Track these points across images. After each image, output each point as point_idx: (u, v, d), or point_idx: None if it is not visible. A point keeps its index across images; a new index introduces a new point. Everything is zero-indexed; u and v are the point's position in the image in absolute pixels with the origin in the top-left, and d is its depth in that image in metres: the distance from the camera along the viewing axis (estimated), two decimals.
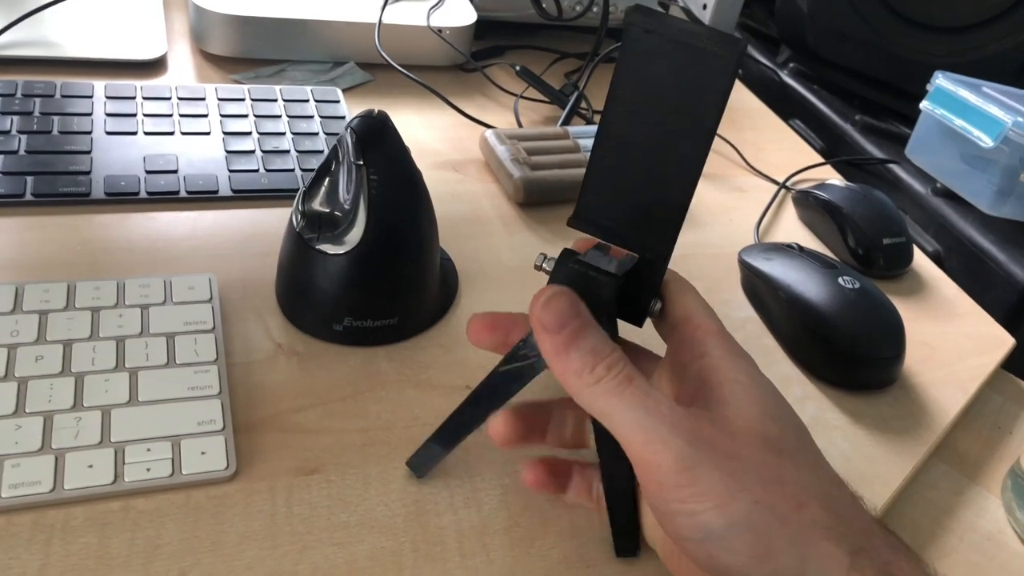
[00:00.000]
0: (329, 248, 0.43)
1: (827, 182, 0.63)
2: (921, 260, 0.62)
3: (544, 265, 0.35)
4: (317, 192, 0.45)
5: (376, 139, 0.44)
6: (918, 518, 0.45)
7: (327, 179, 0.45)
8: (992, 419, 0.52)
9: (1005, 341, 0.55)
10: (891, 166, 0.79)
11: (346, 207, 0.43)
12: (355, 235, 0.43)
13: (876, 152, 0.81)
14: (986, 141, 0.67)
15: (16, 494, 0.34)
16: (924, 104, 0.74)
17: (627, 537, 0.37)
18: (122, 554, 0.33)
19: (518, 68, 0.70)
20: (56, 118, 0.55)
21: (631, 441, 0.30)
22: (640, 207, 0.36)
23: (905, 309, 0.56)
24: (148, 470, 0.36)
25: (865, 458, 0.45)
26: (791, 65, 0.95)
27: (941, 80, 0.73)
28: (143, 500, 0.35)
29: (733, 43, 0.31)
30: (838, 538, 0.28)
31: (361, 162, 0.43)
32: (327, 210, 0.44)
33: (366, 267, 0.43)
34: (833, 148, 0.85)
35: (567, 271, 0.34)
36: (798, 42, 0.94)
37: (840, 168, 0.74)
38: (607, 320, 0.35)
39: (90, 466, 0.35)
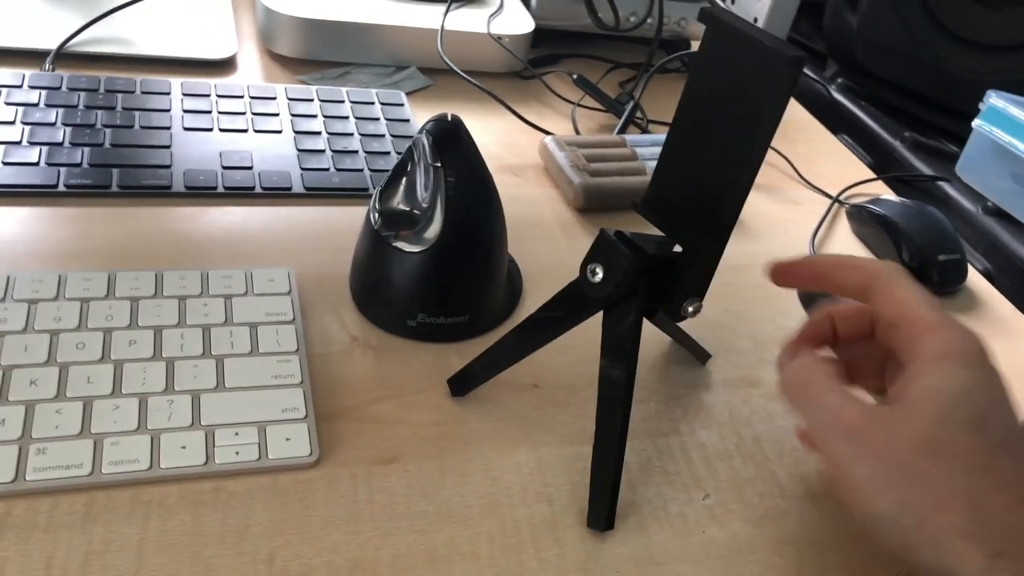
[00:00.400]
0: (405, 246, 0.44)
1: (881, 197, 0.64)
2: (975, 278, 0.62)
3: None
4: (394, 192, 0.46)
5: (451, 142, 0.45)
6: None
7: (403, 179, 0.46)
8: None
9: None
10: (941, 184, 0.79)
11: (424, 206, 0.45)
12: (432, 234, 0.44)
13: (925, 169, 0.82)
14: None
15: (116, 471, 0.36)
16: (976, 122, 0.74)
17: (600, 509, 0.38)
18: (215, 532, 0.35)
19: (575, 76, 0.72)
20: (137, 113, 0.57)
21: (813, 434, 0.36)
22: (695, 203, 0.38)
23: None
24: (237, 453, 0.37)
25: None
26: (839, 80, 0.96)
27: (994, 99, 0.74)
28: (232, 482, 0.37)
29: (794, 50, 0.33)
30: (977, 541, 0.30)
31: (438, 164, 0.44)
32: (405, 209, 0.45)
33: (441, 265, 0.44)
34: (882, 164, 0.85)
35: (599, 238, 0.38)
36: (847, 57, 0.95)
37: (891, 184, 0.75)
38: (627, 290, 0.38)
39: (183, 447, 0.37)
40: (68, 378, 0.39)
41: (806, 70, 0.98)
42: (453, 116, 0.47)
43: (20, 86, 0.57)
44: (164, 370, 0.40)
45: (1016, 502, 0.31)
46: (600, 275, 0.38)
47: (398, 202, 0.46)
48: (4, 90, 0.56)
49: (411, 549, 0.36)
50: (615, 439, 0.38)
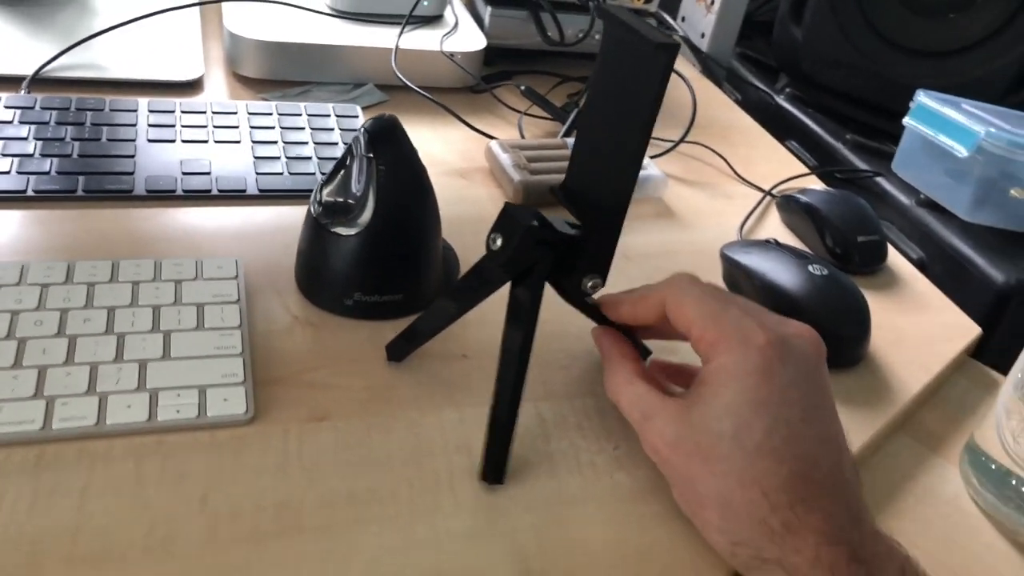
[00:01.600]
0: (341, 230, 0.48)
1: (809, 188, 0.68)
2: (897, 259, 0.66)
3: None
4: (333, 184, 0.50)
5: (385, 136, 0.49)
6: (878, 482, 0.48)
7: (342, 172, 0.50)
8: (959, 401, 0.56)
9: (971, 329, 0.59)
10: (879, 180, 0.83)
11: (357, 194, 0.49)
12: (364, 218, 0.48)
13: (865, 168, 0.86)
14: (961, 151, 0.71)
15: (65, 426, 0.39)
16: (906, 120, 0.79)
17: (493, 464, 0.41)
18: (154, 478, 0.38)
19: (523, 88, 0.76)
20: (105, 128, 0.62)
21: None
22: (596, 188, 0.42)
23: (878, 301, 0.60)
24: (178, 411, 0.41)
25: None
26: (787, 90, 1.00)
27: (922, 97, 0.78)
28: (174, 436, 0.41)
29: (666, 39, 0.37)
30: (723, 533, 0.37)
31: (371, 155, 0.48)
32: (341, 198, 0.49)
33: (373, 246, 0.48)
34: (825, 165, 0.89)
35: (503, 211, 0.42)
36: (794, 68, 1.00)
37: (828, 181, 0.79)
38: (529, 263, 0.42)
39: (129, 406, 0.41)
40: (25, 350, 0.42)
41: (752, 79, 1.03)
42: (390, 115, 0.51)
43: None
44: (115, 343, 0.44)
45: (759, 497, 0.36)
46: (499, 243, 0.41)
47: (336, 192, 0.50)
48: None
49: (333, 492, 0.39)
50: (508, 398, 0.41)
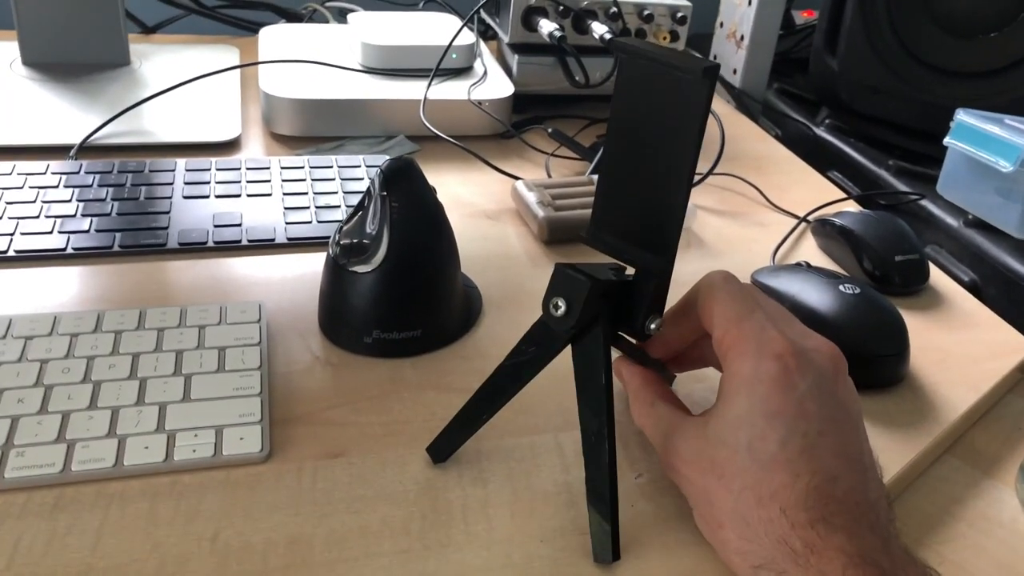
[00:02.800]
0: (358, 268, 0.49)
1: (843, 210, 0.66)
2: (941, 279, 0.63)
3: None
4: (351, 225, 0.51)
5: (400, 176, 0.50)
6: (926, 507, 0.46)
7: (360, 213, 0.51)
8: (1013, 421, 0.52)
9: (1023, 346, 0.56)
10: (924, 203, 0.81)
11: (373, 233, 0.49)
12: (379, 255, 0.48)
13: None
14: (1005, 166, 0.69)
15: (84, 468, 0.40)
16: (947, 139, 0.76)
17: (605, 544, 0.38)
18: (167, 517, 0.39)
19: (550, 130, 0.77)
20: (143, 188, 0.64)
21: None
22: (639, 224, 0.40)
23: (921, 321, 0.58)
24: (194, 451, 0.41)
25: None
26: (827, 122, 0.99)
27: (962, 116, 0.75)
28: (189, 476, 0.41)
29: (700, 63, 0.35)
30: (743, 555, 0.35)
31: (385, 193, 0.49)
32: (357, 238, 0.50)
33: (388, 283, 0.49)
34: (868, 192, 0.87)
35: (555, 273, 0.39)
36: (832, 99, 0.98)
37: (866, 205, 0.76)
38: (591, 318, 0.39)
39: (146, 447, 0.41)
40: (51, 396, 0.44)
41: (790, 111, 1.01)
42: (406, 157, 0.52)
43: (44, 173, 0.65)
44: (137, 387, 0.45)
45: (777, 515, 0.34)
46: (563, 308, 0.39)
47: (353, 233, 0.50)
48: (29, 177, 0.64)
49: (345, 526, 0.39)
50: (605, 466, 0.39)
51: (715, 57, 1.10)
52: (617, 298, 0.41)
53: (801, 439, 0.35)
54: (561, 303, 0.39)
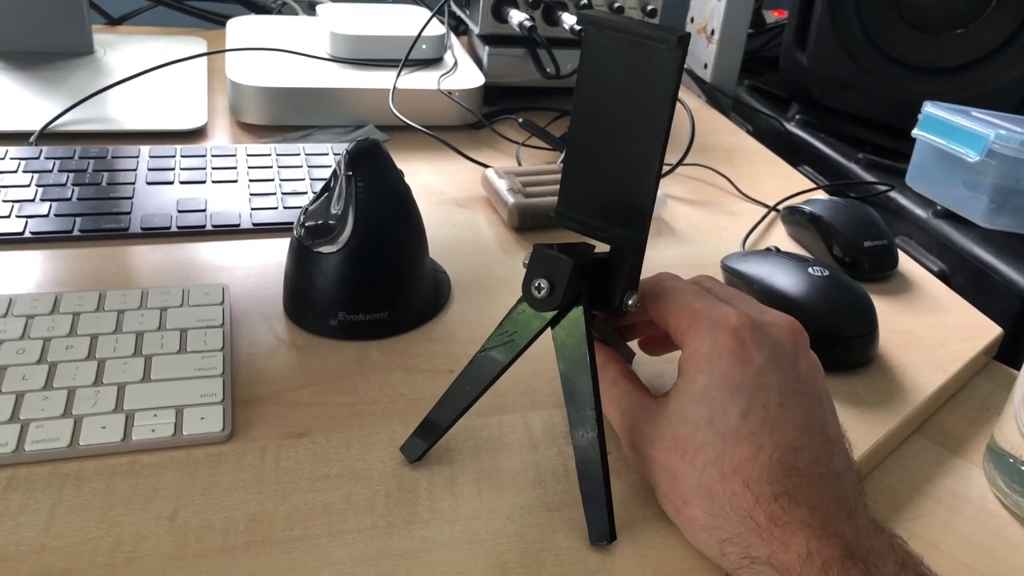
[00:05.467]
0: (323, 249, 0.48)
1: (813, 198, 0.66)
2: (909, 264, 0.63)
3: (525, 260, 0.39)
4: (316, 207, 0.50)
5: (365, 156, 0.49)
6: (896, 485, 0.45)
7: (325, 194, 0.50)
8: (981, 403, 0.53)
9: (990, 329, 0.56)
10: (893, 195, 0.81)
11: (338, 214, 0.48)
12: (344, 236, 0.48)
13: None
14: (972, 156, 0.69)
15: (37, 447, 0.39)
16: (916, 131, 0.77)
17: (599, 522, 0.37)
18: (124, 496, 0.38)
19: (520, 120, 0.76)
20: (105, 174, 0.63)
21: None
22: (610, 200, 0.39)
23: (890, 305, 0.58)
24: (153, 431, 0.40)
25: None
26: (798, 117, 0.99)
27: (929, 108, 0.76)
28: (148, 456, 0.40)
29: (672, 32, 0.35)
30: (709, 531, 0.35)
31: (350, 173, 0.48)
32: (323, 219, 0.49)
33: (354, 263, 0.48)
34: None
35: (535, 254, 0.38)
36: (802, 94, 0.99)
37: (838, 196, 0.77)
38: (572, 297, 0.38)
39: (103, 427, 0.40)
40: (4, 377, 0.42)
41: (760, 106, 1.02)
42: (372, 139, 0.51)
43: (2, 158, 0.64)
44: (95, 368, 0.43)
45: (741, 488, 0.34)
46: (546, 288, 0.38)
47: (318, 214, 0.50)
48: None
49: (308, 505, 0.38)
50: (596, 446, 0.38)
51: None
52: (594, 276, 0.40)
53: (762, 411, 0.35)
54: (544, 284, 0.38)
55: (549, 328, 0.39)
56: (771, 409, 0.35)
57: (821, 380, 0.38)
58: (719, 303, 0.38)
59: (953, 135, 0.73)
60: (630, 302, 0.40)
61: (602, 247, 0.40)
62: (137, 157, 0.66)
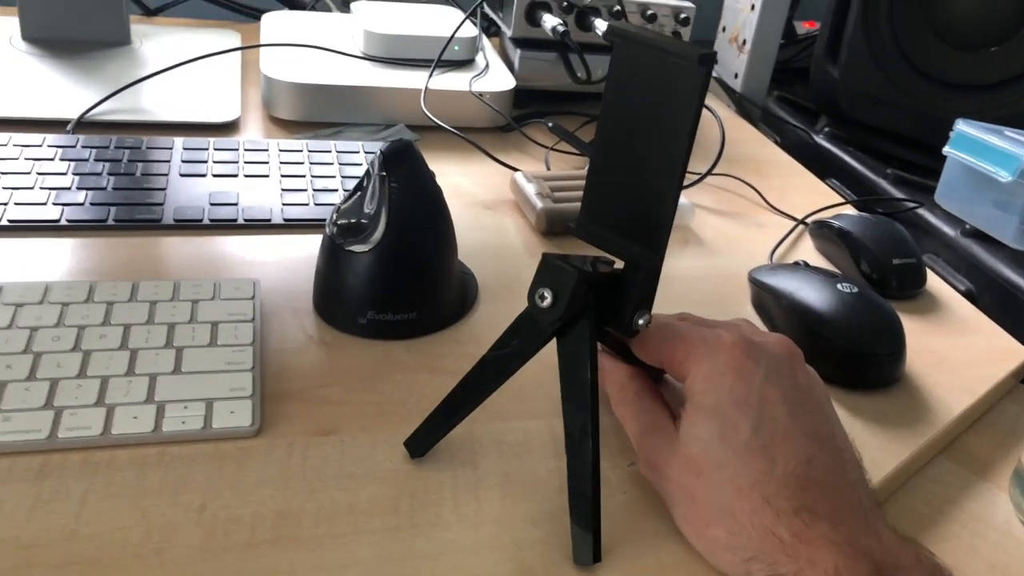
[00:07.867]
0: (355, 248, 0.48)
1: (842, 213, 0.66)
2: (938, 284, 0.63)
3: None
4: (349, 205, 0.51)
5: (399, 157, 0.50)
6: (920, 507, 0.45)
7: (358, 193, 0.51)
8: (1008, 427, 0.52)
9: (1018, 352, 0.56)
10: (922, 212, 0.81)
11: (371, 213, 0.49)
12: (376, 235, 0.48)
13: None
14: (1004, 176, 0.69)
15: (70, 435, 0.39)
16: (947, 149, 0.76)
17: (585, 543, 0.37)
18: (154, 487, 0.38)
19: (551, 124, 0.77)
20: (140, 164, 0.64)
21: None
22: (629, 216, 0.38)
23: (917, 324, 0.57)
24: (183, 423, 0.41)
25: (859, 446, 0.46)
26: (827, 130, 0.99)
27: (961, 125, 0.76)
28: (177, 447, 0.40)
29: (697, 50, 0.34)
30: (733, 551, 0.35)
31: (384, 174, 0.49)
32: (355, 218, 0.49)
33: (385, 263, 0.48)
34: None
35: (542, 263, 0.38)
36: (832, 108, 0.98)
37: (865, 211, 0.76)
38: (578, 311, 0.38)
39: (135, 417, 0.41)
40: (40, 363, 0.43)
41: (789, 118, 1.02)
42: (406, 139, 0.51)
43: (40, 145, 0.64)
44: (128, 358, 0.44)
45: (761, 504, 0.34)
46: (549, 299, 0.37)
47: (351, 213, 0.50)
48: (25, 149, 0.63)
49: (335, 503, 0.38)
50: (589, 458, 0.37)
51: (716, 63, 1.10)
52: (605, 292, 0.39)
53: (771, 423, 0.35)
54: (547, 294, 0.37)
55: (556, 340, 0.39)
56: (780, 421, 0.35)
57: (821, 390, 0.39)
58: (709, 331, 0.39)
59: (985, 154, 0.72)
60: (640, 322, 0.39)
61: (621, 263, 0.40)
62: (171, 149, 0.67)
